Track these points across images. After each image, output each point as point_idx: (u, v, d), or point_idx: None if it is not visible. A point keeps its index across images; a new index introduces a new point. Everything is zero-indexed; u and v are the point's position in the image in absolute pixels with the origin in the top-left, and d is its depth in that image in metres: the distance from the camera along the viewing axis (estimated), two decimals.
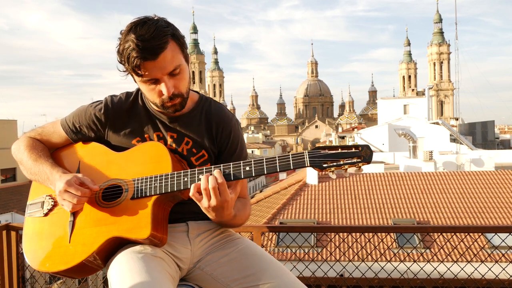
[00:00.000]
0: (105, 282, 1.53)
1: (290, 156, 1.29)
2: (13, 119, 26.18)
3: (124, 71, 1.39)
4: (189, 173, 1.36)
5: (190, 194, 1.33)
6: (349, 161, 1.26)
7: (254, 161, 1.32)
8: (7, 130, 23.30)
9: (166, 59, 1.33)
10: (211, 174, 1.32)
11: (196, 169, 1.37)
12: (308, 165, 1.26)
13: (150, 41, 1.30)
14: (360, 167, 1.26)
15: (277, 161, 1.30)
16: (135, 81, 1.42)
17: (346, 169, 1.27)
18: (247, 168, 1.32)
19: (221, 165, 1.35)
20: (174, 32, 1.37)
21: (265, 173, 1.31)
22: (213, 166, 1.36)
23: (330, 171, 1.27)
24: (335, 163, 1.26)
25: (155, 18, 1.36)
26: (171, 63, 1.35)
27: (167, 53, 1.33)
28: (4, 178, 23.61)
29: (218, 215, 1.38)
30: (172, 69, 1.36)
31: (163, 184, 1.37)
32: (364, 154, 1.26)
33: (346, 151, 1.26)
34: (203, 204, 1.34)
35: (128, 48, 1.31)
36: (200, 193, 1.33)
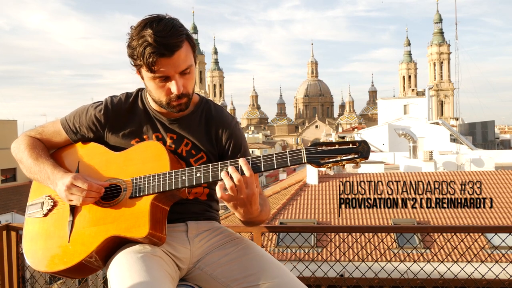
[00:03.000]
0: (105, 282, 1.53)
1: (287, 153, 1.29)
2: (13, 119, 26.25)
3: (136, 66, 1.38)
4: (186, 171, 1.36)
5: (218, 195, 1.31)
6: (347, 157, 1.25)
7: (251, 158, 1.32)
8: (7, 130, 23.31)
9: (180, 57, 1.34)
10: (236, 168, 1.30)
11: (194, 167, 1.37)
12: (305, 161, 1.26)
13: (167, 38, 1.30)
14: (357, 163, 1.26)
15: (275, 158, 1.30)
16: (142, 78, 1.42)
17: (344, 165, 1.27)
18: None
19: (218, 163, 1.35)
20: (187, 32, 1.38)
21: (263, 170, 1.30)
22: (210, 164, 1.35)
23: (327, 167, 1.27)
24: (332, 160, 1.26)
25: (169, 17, 1.37)
26: (184, 62, 1.36)
27: (182, 51, 1.34)
28: (4, 178, 23.62)
29: (246, 211, 1.36)
30: (184, 68, 1.37)
31: (161, 182, 1.37)
32: (362, 149, 1.25)
33: (343, 147, 1.26)
34: (231, 200, 1.32)
35: (143, 43, 1.30)
36: (226, 190, 1.31)
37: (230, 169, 1.30)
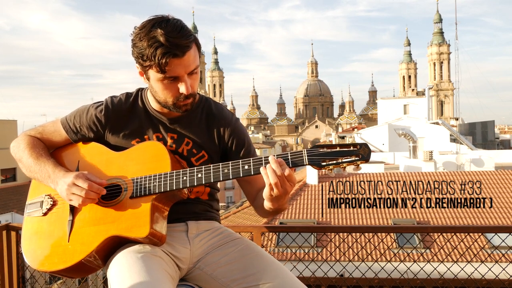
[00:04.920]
0: (105, 282, 1.53)
1: (289, 154, 1.30)
2: (13, 119, 26.25)
3: (144, 67, 1.37)
4: (188, 172, 1.36)
5: (267, 182, 1.27)
6: (348, 159, 1.26)
7: (253, 160, 1.32)
8: (7, 130, 23.32)
9: (190, 57, 1.35)
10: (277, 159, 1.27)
11: (195, 168, 1.37)
12: (307, 163, 1.27)
13: (179, 38, 1.31)
14: (358, 165, 1.27)
15: None
16: (148, 79, 1.41)
17: (345, 167, 1.27)
18: (246, 167, 1.32)
19: (220, 164, 1.35)
20: (193, 33, 1.39)
21: None
22: (212, 165, 1.36)
23: (328, 169, 1.28)
24: (333, 162, 1.26)
25: (172, 18, 1.37)
26: (193, 62, 1.37)
27: (191, 52, 1.35)
28: (4, 178, 23.62)
29: (281, 200, 1.35)
30: (193, 68, 1.38)
31: (162, 183, 1.37)
32: (363, 152, 1.26)
33: (344, 149, 1.27)
34: (275, 192, 1.29)
35: (154, 44, 1.30)
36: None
37: (270, 167, 1.27)
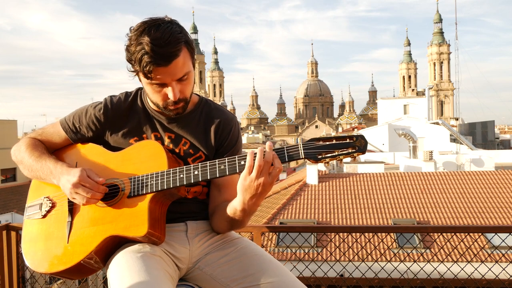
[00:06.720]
0: (105, 282, 1.54)
1: (285, 148, 1.28)
2: (13, 119, 26.24)
3: (132, 71, 1.37)
4: (184, 169, 1.36)
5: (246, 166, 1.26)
6: (344, 151, 1.25)
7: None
8: (7, 130, 23.34)
9: (177, 65, 1.33)
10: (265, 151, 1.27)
11: (192, 165, 1.36)
12: (303, 156, 1.25)
13: (164, 47, 1.29)
14: (355, 157, 1.26)
15: None
16: (140, 80, 1.42)
17: (341, 159, 1.26)
18: (242, 163, 1.31)
19: (217, 160, 1.34)
20: (186, 38, 1.36)
21: None
22: (208, 162, 1.35)
23: (325, 163, 1.27)
24: (329, 154, 1.25)
25: (168, 21, 1.35)
26: (181, 70, 1.35)
27: (179, 60, 1.33)
28: (4, 178, 23.63)
29: (252, 204, 1.33)
30: (181, 76, 1.36)
31: (159, 181, 1.36)
32: (359, 144, 1.25)
33: (340, 142, 1.25)
34: (252, 176, 1.27)
35: (141, 51, 1.29)
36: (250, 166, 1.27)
37: (254, 154, 1.27)
